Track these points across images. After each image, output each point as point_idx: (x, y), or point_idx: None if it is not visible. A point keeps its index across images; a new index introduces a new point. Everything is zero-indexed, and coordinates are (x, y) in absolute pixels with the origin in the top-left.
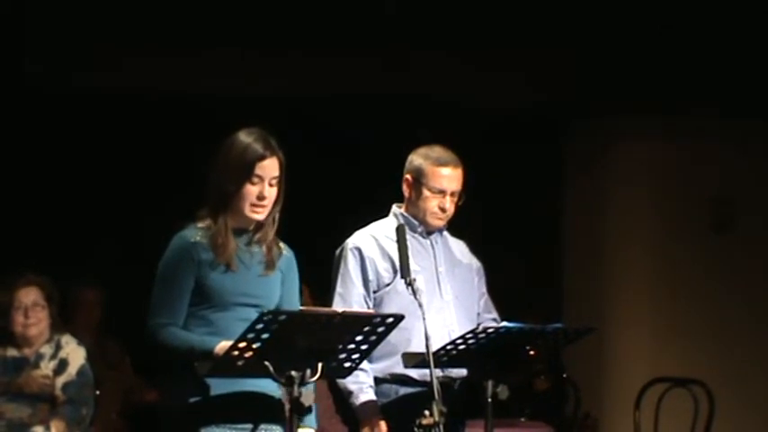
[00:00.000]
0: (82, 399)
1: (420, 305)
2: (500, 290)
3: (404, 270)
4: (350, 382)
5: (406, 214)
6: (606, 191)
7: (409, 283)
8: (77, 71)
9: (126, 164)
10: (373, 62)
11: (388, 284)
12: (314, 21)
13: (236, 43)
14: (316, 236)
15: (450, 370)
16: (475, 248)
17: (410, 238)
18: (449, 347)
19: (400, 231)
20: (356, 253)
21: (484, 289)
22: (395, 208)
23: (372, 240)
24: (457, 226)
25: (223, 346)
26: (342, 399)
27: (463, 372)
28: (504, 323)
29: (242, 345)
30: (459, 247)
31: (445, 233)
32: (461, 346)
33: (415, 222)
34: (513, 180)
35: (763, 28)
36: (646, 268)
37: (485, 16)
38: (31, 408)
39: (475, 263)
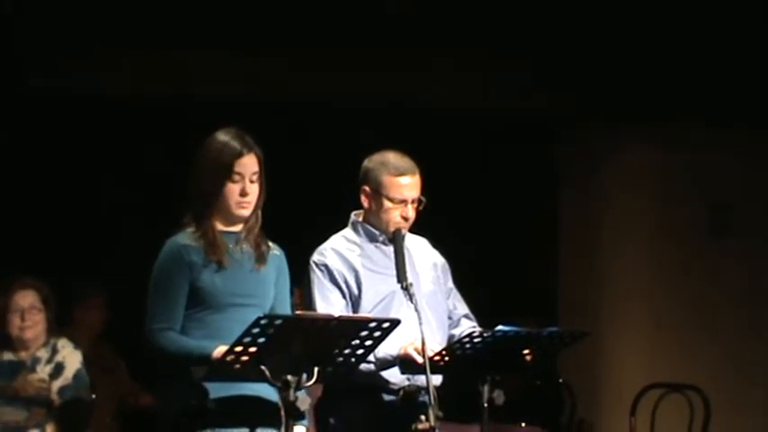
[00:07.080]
0: (78, 403)
1: (417, 311)
2: (495, 294)
3: (400, 275)
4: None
5: (365, 225)
6: (603, 197)
7: (406, 288)
8: (75, 75)
9: (126, 168)
10: (371, 63)
11: (358, 296)
12: (313, 21)
13: (234, 45)
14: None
15: (417, 378)
16: (470, 253)
17: (372, 248)
18: (444, 353)
19: (397, 236)
20: (324, 269)
21: (450, 284)
22: (353, 217)
23: (335, 254)
24: (452, 231)
25: (221, 350)
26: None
27: (436, 380)
28: (500, 327)
29: (238, 349)
30: (421, 247)
31: (405, 234)
32: (458, 351)
33: (376, 232)
34: (510, 186)
35: (757, 38)
36: (642, 274)
37: (481, 21)
38: (26, 411)
39: (439, 260)
